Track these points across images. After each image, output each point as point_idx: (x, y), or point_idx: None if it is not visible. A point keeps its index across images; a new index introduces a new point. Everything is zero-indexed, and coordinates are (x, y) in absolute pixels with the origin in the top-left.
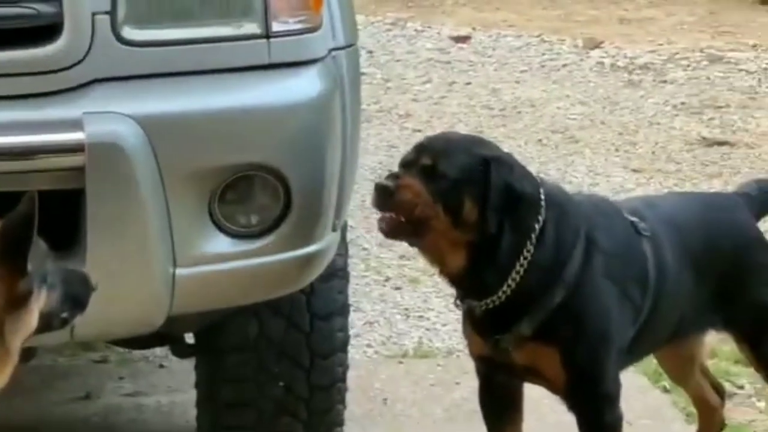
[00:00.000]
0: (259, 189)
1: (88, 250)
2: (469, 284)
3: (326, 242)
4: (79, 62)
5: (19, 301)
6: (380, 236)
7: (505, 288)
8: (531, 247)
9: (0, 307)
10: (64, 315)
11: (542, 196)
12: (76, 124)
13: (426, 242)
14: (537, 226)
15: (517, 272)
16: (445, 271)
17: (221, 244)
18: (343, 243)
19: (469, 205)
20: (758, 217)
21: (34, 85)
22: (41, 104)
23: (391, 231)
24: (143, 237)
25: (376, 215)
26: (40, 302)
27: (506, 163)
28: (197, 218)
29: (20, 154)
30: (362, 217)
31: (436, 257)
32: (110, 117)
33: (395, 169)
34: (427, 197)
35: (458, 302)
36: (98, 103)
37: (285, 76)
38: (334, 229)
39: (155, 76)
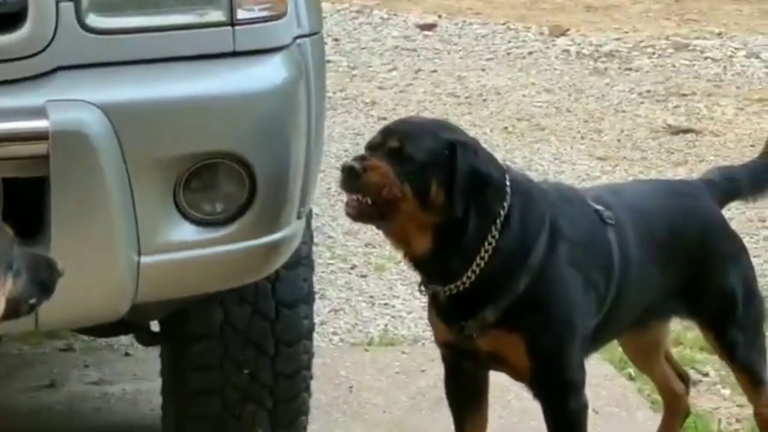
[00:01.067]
0: (224, 177)
1: (53, 238)
2: (433, 269)
3: (291, 230)
4: (44, 50)
5: None
6: (346, 224)
7: (469, 273)
8: (496, 233)
9: None
10: (32, 301)
11: (508, 183)
12: (40, 112)
13: (392, 225)
14: (502, 213)
15: (482, 258)
16: (410, 255)
17: (186, 231)
18: (308, 230)
19: (436, 188)
20: (722, 205)
21: (3, 72)
22: (5, 92)
23: (358, 214)
24: (108, 225)
25: (342, 203)
26: (6, 288)
27: (472, 147)
28: (162, 206)
29: None
30: (328, 205)
31: (401, 240)
32: (74, 105)
33: None
34: (394, 179)
35: (422, 288)
36: (62, 90)
37: (250, 63)
38: (299, 217)
39: (120, 63)
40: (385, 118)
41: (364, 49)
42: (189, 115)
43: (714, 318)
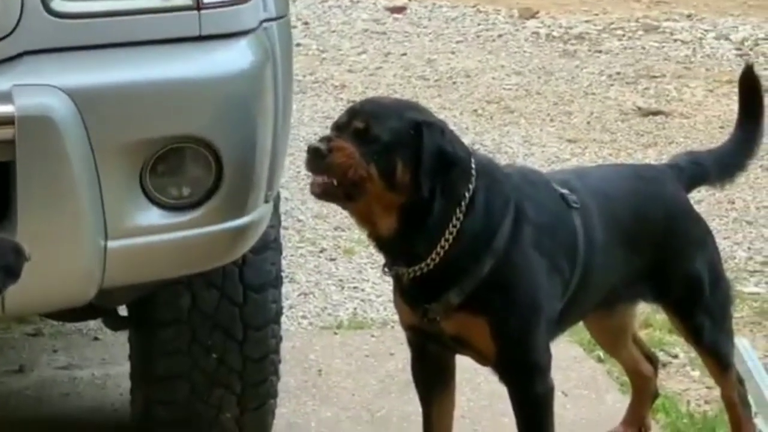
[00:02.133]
0: (190, 161)
1: (19, 223)
2: (398, 250)
3: (258, 214)
4: (9, 34)
5: None
6: (315, 207)
7: (433, 255)
8: (460, 215)
9: None
10: None
11: (473, 165)
12: (5, 97)
13: (357, 205)
14: (467, 195)
15: (446, 240)
16: (375, 235)
17: (153, 216)
18: (276, 214)
19: (402, 169)
20: (689, 189)
21: None
22: None
23: (323, 193)
24: (74, 209)
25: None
26: None
27: (438, 127)
28: (129, 190)
29: None
30: (297, 189)
31: (367, 221)
32: (40, 89)
33: None
34: (360, 160)
35: (386, 269)
36: (28, 75)
37: (216, 47)
38: (266, 201)
39: (86, 48)
40: (354, 102)
41: (333, 32)
42: (155, 99)
43: (680, 302)
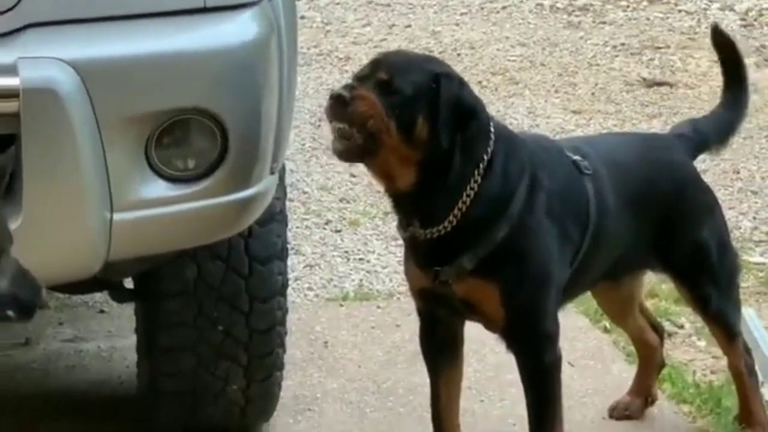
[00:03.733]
0: (195, 133)
1: (24, 196)
2: (416, 210)
3: (264, 185)
4: (13, 7)
5: None
6: (321, 179)
7: (450, 218)
8: (479, 178)
9: None
10: (9, 312)
11: (492, 128)
12: (10, 70)
13: (376, 159)
14: (485, 157)
15: (464, 202)
16: (393, 192)
17: (159, 188)
18: (282, 186)
19: (421, 122)
20: (693, 157)
21: None
22: None
23: (346, 151)
24: (79, 182)
25: (316, 159)
26: None
27: (457, 79)
28: (134, 162)
29: None
30: (303, 161)
31: (385, 175)
32: (45, 62)
33: None
34: (381, 110)
35: (401, 229)
36: (33, 48)
37: (220, 19)
38: (272, 173)
39: (90, 20)
40: None
41: (338, 4)
42: (160, 71)
43: (687, 271)
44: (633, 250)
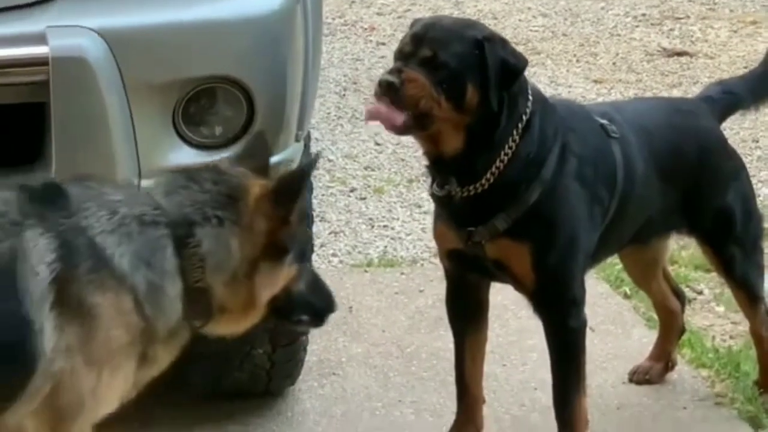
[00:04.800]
0: (222, 100)
1: (54, 162)
2: (455, 168)
3: (290, 152)
4: None
5: (276, 252)
6: (346, 148)
7: (488, 176)
8: (517, 137)
9: (260, 245)
10: (303, 318)
11: (529, 90)
12: (39, 38)
13: (429, 132)
14: (524, 117)
15: (501, 161)
16: (437, 156)
17: (186, 155)
18: (307, 153)
19: (471, 90)
20: (722, 119)
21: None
22: (5, 19)
23: (401, 128)
24: (108, 149)
25: (340, 127)
26: (289, 272)
27: (499, 39)
28: (162, 130)
29: None
30: (328, 129)
31: (435, 143)
32: (74, 31)
33: (360, 81)
34: (431, 90)
35: (437, 188)
36: (62, 16)
37: None
38: (297, 140)
39: None
40: (383, 44)
41: None
42: (187, 39)
43: (712, 234)
44: (659, 213)
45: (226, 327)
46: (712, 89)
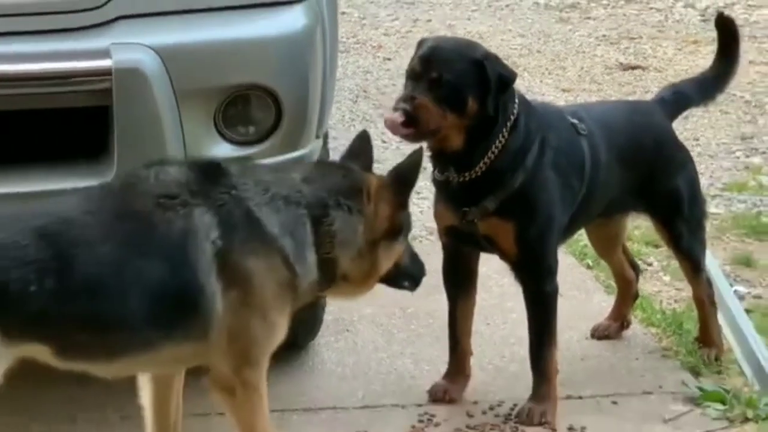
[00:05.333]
0: (255, 104)
1: (116, 157)
2: (455, 160)
3: (311, 147)
4: (107, 2)
5: (394, 231)
6: None
7: (481, 164)
8: (506, 134)
9: (381, 228)
10: (405, 284)
11: (516, 95)
12: (104, 53)
13: (437, 137)
14: (512, 117)
15: (492, 152)
16: (441, 151)
17: (224, 149)
18: (325, 149)
19: (471, 101)
20: (673, 117)
21: (73, 21)
22: (77, 37)
23: (413, 140)
24: (161, 145)
25: (353, 128)
26: (401, 247)
27: (493, 57)
28: (205, 129)
29: (61, 77)
30: (343, 129)
31: (441, 144)
32: (133, 47)
33: (369, 90)
34: (439, 111)
35: (438, 174)
36: (123, 35)
37: (276, 12)
38: (317, 137)
39: (170, 13)
40: (389, 59)
41: (372, 2)
42: (227, 54)
43: (664, 214)
44: (620, 195)
45: (345, 292)
46: (664, 92)
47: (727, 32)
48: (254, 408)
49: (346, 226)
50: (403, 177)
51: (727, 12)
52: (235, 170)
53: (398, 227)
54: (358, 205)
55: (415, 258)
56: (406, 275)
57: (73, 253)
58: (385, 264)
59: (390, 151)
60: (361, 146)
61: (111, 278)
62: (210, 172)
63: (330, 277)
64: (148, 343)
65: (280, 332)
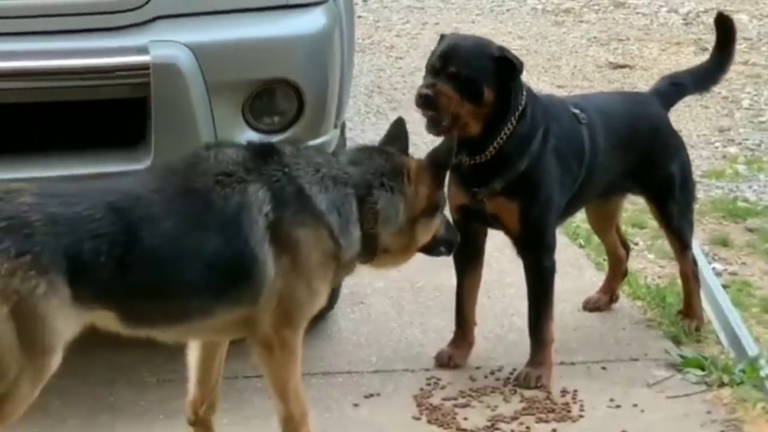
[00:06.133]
0: (279, 97)
1: (154, 144)
2: (467, 143)
3: (330, 136)
4: (146, 3)
5: (431, 210)
6: (371, 134)
7: (491, 149)
8: (514, 121)
9: (420, 207)
10: (442, 249)
11: (524, 87)
12: (143, 50)
13: (458, 125)
14: (520, 107)
15: (502, 138)
16: (458, 137)
17: (251, 137)
18: (342, 138)
19: (487, 92)
20: (669, 106)
21: (115, 20)
22: (118, 35)
23: (437, 132)
24: (194, 133)
25: (367, 120)
26: (438, 221)
27: (505, 51)
28: (234, 119)
29: (104, 72)
30: (358, 121)
31: (461, 129)
32: (169, 44)
33: (383, 86)
34: (457, 97)
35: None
36: (160, 33)
37: (298, 14)
38: (335, 127)
39: (203, 14)
40: (401, 58)
41: (385, 7)
42: (254, 51)
43: (657, 195)
44: (618, 178)
45: (386, 263)
46: (661, 83)
47: (724, 30)
48: (289, 366)
49: (389, 205)
50: (439, 160)
51: (706, 16)
52: (289, 151)
53: (435, 205)
54: (400, 186)
55: (449, 226)
56: (443, 243)
57: (140, 227)
58: (423, 238)
59: None
60: (398, 132)
61: (173, 250)
62: (264, 153)
63: (372, 250)
64: (204, 309)
65: (321, 299)
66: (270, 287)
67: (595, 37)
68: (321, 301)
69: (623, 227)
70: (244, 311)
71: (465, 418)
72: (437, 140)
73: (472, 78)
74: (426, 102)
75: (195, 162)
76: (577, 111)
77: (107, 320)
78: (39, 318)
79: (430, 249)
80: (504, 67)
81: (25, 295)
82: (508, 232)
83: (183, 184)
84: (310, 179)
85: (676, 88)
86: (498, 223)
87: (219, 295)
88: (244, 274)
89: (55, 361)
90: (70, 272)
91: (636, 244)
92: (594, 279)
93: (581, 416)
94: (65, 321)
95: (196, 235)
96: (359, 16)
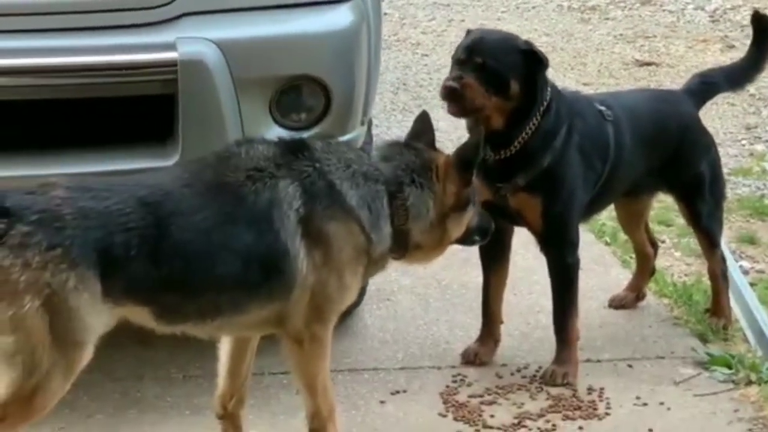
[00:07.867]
0: (306, 93)
1: (181, 139)
2: (494, 139)
3: (356, 132)
4: (172, 1)
5: (461, 205)
6: (396, 131)
7: (515, 143)
8: (539, 116)
9: (450, 203)
10: (476, 238)
11: (549, 83)
12: (171, 46)
13: (482, 116)
14: (545, 102)
15: (526, 133)
16: (486, 132)
17: (278, 134)
18: (369, 134)
19: (513, 85)
20: (701, 104)
21: (143, 17)
22: (146, 32)
23: (460, 113)
24: (222, 129)
25: (394, 118)
26: (470, 214)
27: (530, 45)
28: (261, 115)
29: (132, 68)
30: (384, 118)
31: (485, 123)
32: (196, 41)
33: (408, 83)
34: (482, 90)
35: None
36: (187, 30)
37: (326, 10)
38: (362, 124)
39: (230, 10)
40: (426, 55)
41: (411, 4)
42: (281, 48)
43: (686, 193)
44: (646, 176)
45: (419, 258)
46: (693, 81)
47: (761, 28)
48: (318, 360)
49: (419, 201)
50: (466, 157)
51: (733, 14)
52: (320, 147)
53: (465, 201)
54: (429, 183)
55: (482, 215)
56: (477, 232)
57: (171, 221)
58: (456, 232)
59: None
60: (423, 126)
61: (204, 245)
62: (295, 148)
63: (404, 246)
64: (237, 305)
65: (351, 293)
66: (302, 282)
67: (621, 35)
68: (352, 296)
69: (650, 225)
70: (277, 307)
71: (491, 416)
72: (463, 137)
73: (499, 70)
74: (452, 94)
75: (226, 157)
76: (602, 108)
77: (141, 316)
78: (70, 312)
79: (464, 240)
80: (530, 61)
81: (57, 289)
82: (530, 228)
83: (214, 179)
84: (341, 175)
85: (707, 86)
86: (521, 219)
87: (251, 291)
88: (276, 269)
89: (87, 355)
90: (100, 266)
91: (663, 241)
92: (620, 276)
93: (607, 414)
94: (96, 315)
95: (227, 230)
96: (385, 13)
